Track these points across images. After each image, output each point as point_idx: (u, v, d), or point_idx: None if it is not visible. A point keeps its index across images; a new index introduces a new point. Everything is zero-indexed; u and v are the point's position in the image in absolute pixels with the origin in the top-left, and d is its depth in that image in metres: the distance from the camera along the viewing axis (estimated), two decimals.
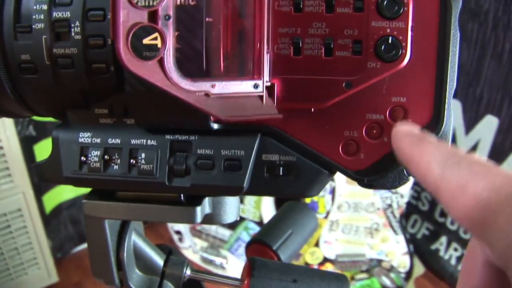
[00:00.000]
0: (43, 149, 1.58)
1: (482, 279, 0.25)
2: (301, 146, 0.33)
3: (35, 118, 0.49)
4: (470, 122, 1.55)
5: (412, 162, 0.25)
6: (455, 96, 1.27)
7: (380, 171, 0.33)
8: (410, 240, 1.72)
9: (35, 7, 0.33)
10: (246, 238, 1.67)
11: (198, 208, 0.36)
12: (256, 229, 1.68)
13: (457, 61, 0.31)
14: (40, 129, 1.57)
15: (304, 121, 0.33)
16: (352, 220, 1.61)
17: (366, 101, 0.32)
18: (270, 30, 0.31)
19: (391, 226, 1.62)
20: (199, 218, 0.36)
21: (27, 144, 1.52)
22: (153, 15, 0.28)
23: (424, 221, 1.78)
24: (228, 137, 0.33)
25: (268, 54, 0.31)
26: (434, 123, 0.32)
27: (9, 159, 1.42)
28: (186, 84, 0.30)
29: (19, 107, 0.38)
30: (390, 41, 0.31)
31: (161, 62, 0.29)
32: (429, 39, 0.31)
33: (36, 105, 0.37)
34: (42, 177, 0.38)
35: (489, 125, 1.50)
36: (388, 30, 0.31)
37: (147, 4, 0.27)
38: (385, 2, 0.30)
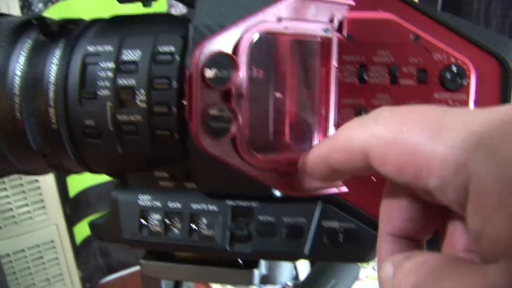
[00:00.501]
0: (75, 181, 1.60)
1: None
2: (361, 213, 0.33)
3: None
4: None
5: None
6: None
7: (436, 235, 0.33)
8: None
9: (100, 74, 0.34)
10: None
11: (256, 271, 0.36)
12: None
13: None
14: None
15: (365, 190, 0.33)
16: None
17: None
18: (336, 101, 0.32)
19: None
20: (256, 280, 0.36)
21: (60, 176, 1.54)
22: (226, 95, 0.29)
23: None
24: (290, 204, 0.33)
25: (334, 126, 0.32)
26: None
27: (44, 191, 1.45)
28: (256, 160, 0.30)
29: (78, 166, 0.39)
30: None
31: (233, 140, 0.29)
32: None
33: (95, 166, 0.38)
34: (101, 236, 0.38)
35: None
36: (450, 102, 0.31)
37: (220, 85, 0.28)
38: (448, 75, 0.31)
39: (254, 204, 0.34)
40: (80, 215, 1.65)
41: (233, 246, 0.34)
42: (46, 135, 0.36)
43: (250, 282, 0.36)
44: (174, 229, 0.35)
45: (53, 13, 1.36)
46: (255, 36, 0.29)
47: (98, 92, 0.34)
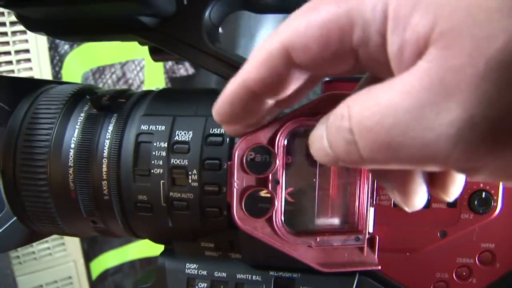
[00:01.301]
0: None
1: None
2: (397, 286, 0.35)
3: None
4: None
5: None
6: None
7: None
8: None
9: (154, 153, 0.36)
10: None
11: None
12: None
13: None
14: None
15: (400, 263, 0.35)
16: None
17: (457, 246, 0.34)
18: (374, 184, 0.34)
19: None
20: None
21: None
22: (264, 180, 0.31)
23: None
24: (329, 276, 0.35)
25: (373, 208, 0.34)
26: None
27: None
28: (292, 239, 0.32)
29: (124, 232, 0.41)
30: (483, 196, 0.33)
31: (270, 220, 0.32)
32: None
33: (142, 233, 0.40)
34: None
35: None
36: (481, 185, 0.33)
37: (258, 172, 0.30)
38: None
39: (295, 275, 0.36)
40: (96, 251, 1.67)
41: None
42: (97, 205, 0.38)
43: None
44: None
45: (78, 54, 1.40)
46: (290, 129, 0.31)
47: (152, 170, 0.36)
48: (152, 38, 0.40)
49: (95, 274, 1.72)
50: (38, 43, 1.29)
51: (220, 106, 0.26)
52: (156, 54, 0.45)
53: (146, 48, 0.46)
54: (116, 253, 1.71)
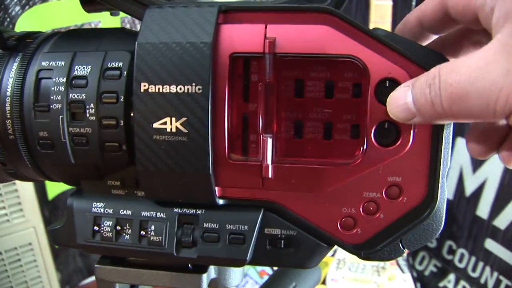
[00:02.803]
0: (53, 184, 1.60)
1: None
2: (302, 221, 0.35)
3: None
4: (477, 161, 1.56)
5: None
6: (462, 135, 1.26)
7: (376, 245, 0.35)
8: (418, 277, 1.72)
9: (53, 88, 0.35)
10: (253, 274, 1.67)
11: (204, 275, 0.38)
12: None
13: (450, 142, 0.33)
14: None
15: (305, 199, 0.35)
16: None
17: (363, 180, 0.34)
18: (273, 114, 0.33)
19: (398, 265, 1.62)
20: (205, 285, 0.38)
21: None
22: None
23: (432, 258, 1.78)
24: (233, 212, 0.35)
25: (271, 138, 0.33)
26: (428, 201, 0.34)
27: (21, 194, 1.45)
28: None
29: (36, 174, 0.40)
30: (388, 127, 0.33)
31: None
32: (424, 125, 0.33)
33: (51, 174, 0.40)
34: (57, 241, 0.40)
35: (496, 163, 1.51)
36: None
37: None
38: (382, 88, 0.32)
39: (199, 211, 0.36)
40: (59, 217, 1.65)
41: (179, 251, 0.36)
42: (3, 145, 0.38)
43: (199, 286, 0.38)
44: (125, 235, 0.36)
45: (30, 16, 1.36)
46: None
47: (51, 106, 0.35)
48: None
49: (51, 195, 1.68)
50: None
51: None
52: (87, 4, 0.44)
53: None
54: None
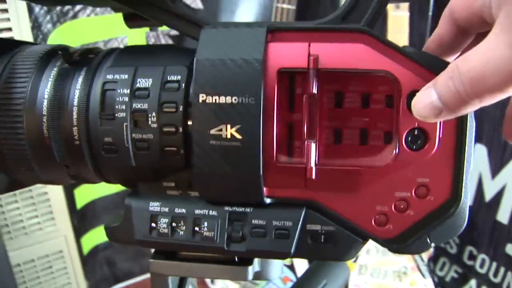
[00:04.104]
0: (82, 194, 1.65)
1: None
2: (340, 218, 0.39)
3: None
4: (496, 167, 1.57)
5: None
6: (480, 142, 1.28)
7: (406, 239, 0.38)
8: (439, 283, 1.73)
9: (118, 99, 0.40)
10: (277, 280, 1.70)
11: (250, 268, 0.42)
12: (286, 271, 1.71)
13: (473, 147, 0.37)
14: None
15: (343, 198, 0.39)
16: (380, 264, 1.64)
17: (395, 181, 0.38)
18: (316, 122, 0.37)
19: (419, 270, 1.64)
20: (250, 276, 0.42)
21: (67, 188, 1.60)
22: None
23: (453, 264, 1.79)
24: (278, 210, 0.39)
25: (314, 144, 0.38)
26: (453, 200, 0.37)
27: (53, 203, 1.50)
28: None
29: (95, 176, 0.45)
30: (417, 133, 0.37)
31: None
32: (448, 130, 0.37)
33: (110, 177, 0.44)
34: (114, 238, 0.44)
35: None
36: (416, 123, 0.37)
37: None
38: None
39: (248, 209, 0.40)
40: (87, 226, 1.70)
41: (230, 245, 0.39)
42: (69, 150, 0.42)
43: (245, 278, 0.42)
44: (179, 231, 0.40)
45: (61, 32, 1.42)
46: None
47: (116, 114, 0.40)
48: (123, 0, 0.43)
49: (86, 249, 1.76)
50: (20, 21, 1.31)
51: None
52: (130, 20, 0.48)
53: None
54: None
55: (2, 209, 1.43)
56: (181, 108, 0.38)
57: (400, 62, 0.36)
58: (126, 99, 0.39)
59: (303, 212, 0.39)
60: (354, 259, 1.63)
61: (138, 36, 1.46)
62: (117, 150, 0.40)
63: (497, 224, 1.55)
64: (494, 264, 1.60)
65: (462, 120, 0.36)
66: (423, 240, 0.38)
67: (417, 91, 0.36)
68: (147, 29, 0.48)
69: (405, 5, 1.62)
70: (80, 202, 1.65)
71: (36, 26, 1.36)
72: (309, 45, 0.37)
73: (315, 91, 0.37)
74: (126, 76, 0.40)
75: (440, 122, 0.37)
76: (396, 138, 0.37)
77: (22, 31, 1.32)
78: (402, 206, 0.38)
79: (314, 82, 0.37)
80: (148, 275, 0.46)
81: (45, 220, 1.51)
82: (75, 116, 0.41)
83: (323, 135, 0.38)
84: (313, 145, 0.37)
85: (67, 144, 0.42)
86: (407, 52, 0.37)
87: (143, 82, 0.39)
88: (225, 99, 0.36)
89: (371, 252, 1.62)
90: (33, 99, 0.42)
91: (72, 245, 1.60)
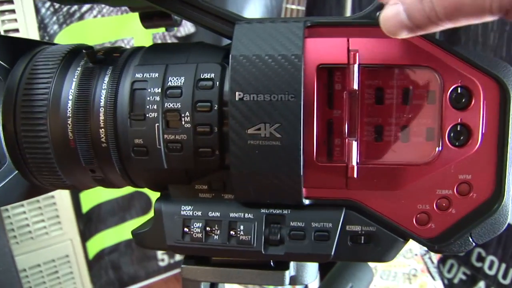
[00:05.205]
0: (87, 198, 1.64)
1: None
2: (380, 217, 0.38)
3: None
4: None
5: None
6: None
7: (448, 238, 0.37)
8: (448, 285, 1.72)
9: (148, 98, 0.38)
10: None
11: (287, 272, 0.40)
12: None
13: None
14: None
15: (384, 197, 0.37)
16: (390, 266, 1.62)
17: (437, 178, 0.37)
18: (357, 119, 0.36)
19: (429, 272, 1.63)
20: (287, 281, 0.41)
21: (73, 192, 1.58)
22: None
23: (461, 265, 1.78)
24: (317, 211, 0.38)
25: (355, 142, 0.36)
26: (496, 196, 0.36)
27: (59, 207, 1.49)
28: None
29: (123, 180, 0.43)
30: (461, 129, 0.36)
31: None
32: (491, 126, 0.36)
33: (138, 180, 0.43)
34: (143, 244, 0.42)
35: None
36: (460, 119, 0.36)
37: None
38: (455, 94, 0.35)
39: (285, 211, 0.38)
40: (92, 230, 1.69)
41: (267, 249, 0.38)
42: (95, 153, 0.40)
43: (282, 283, 0.41)
44: (214, 235, 0.39)
45: (67, 34, 1.41)
46: None
47: (147, 115, 0.38)
48: None
49: (91, 253, 1.75)
50: (27, 23, 1.30)
51: None
52: (146, 20, 0.47)
53: (135, 26, 0.47)
54: (112, 232, 1.74)
55: (8, 214, 1.41)
56: (216, 107, 0.37)
57: (442, 57, 0.35)
58: (158, 98, 0.38)
59: (343, 213, 0.38)
60: None
61: (145, 38, 1.45)
62: (148, 152, 0.39)
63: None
64: (503, 266, 1.59)
65: (505, 116, 0.35)
66: (465, 239, 0.37)
67: (460, 86, 0.35)
68: (153, 30, 0.46)
69: None
70: (85, 206, 1.64)
71: (42, 27, 1.35)
72: (348, 40, 0.36)
73: (355, 87, 0.36)
74: (157, 75, 0.38)
75: (483, 118, 0.36)
76: (438, 134, 0.36)
77: (29, 32, 1.30)
78: (444, 204, 0.37)
79: (355, 78, 0.36)
80: (153, 279, 0.44)
81: (51, 225, 1.49)
82: (101, 117, 0.39)
83: (363, 133, 0.37)
84: (354, 143, 0.36)
85: (93, 147, 0.40)
86: (450, 47, 0.35)
87: (174, 81, 0.38)
88: (264, 97, 0.35)
89: None
90: (57, 100, 0.40)
91: (79, 250, 1.58)
